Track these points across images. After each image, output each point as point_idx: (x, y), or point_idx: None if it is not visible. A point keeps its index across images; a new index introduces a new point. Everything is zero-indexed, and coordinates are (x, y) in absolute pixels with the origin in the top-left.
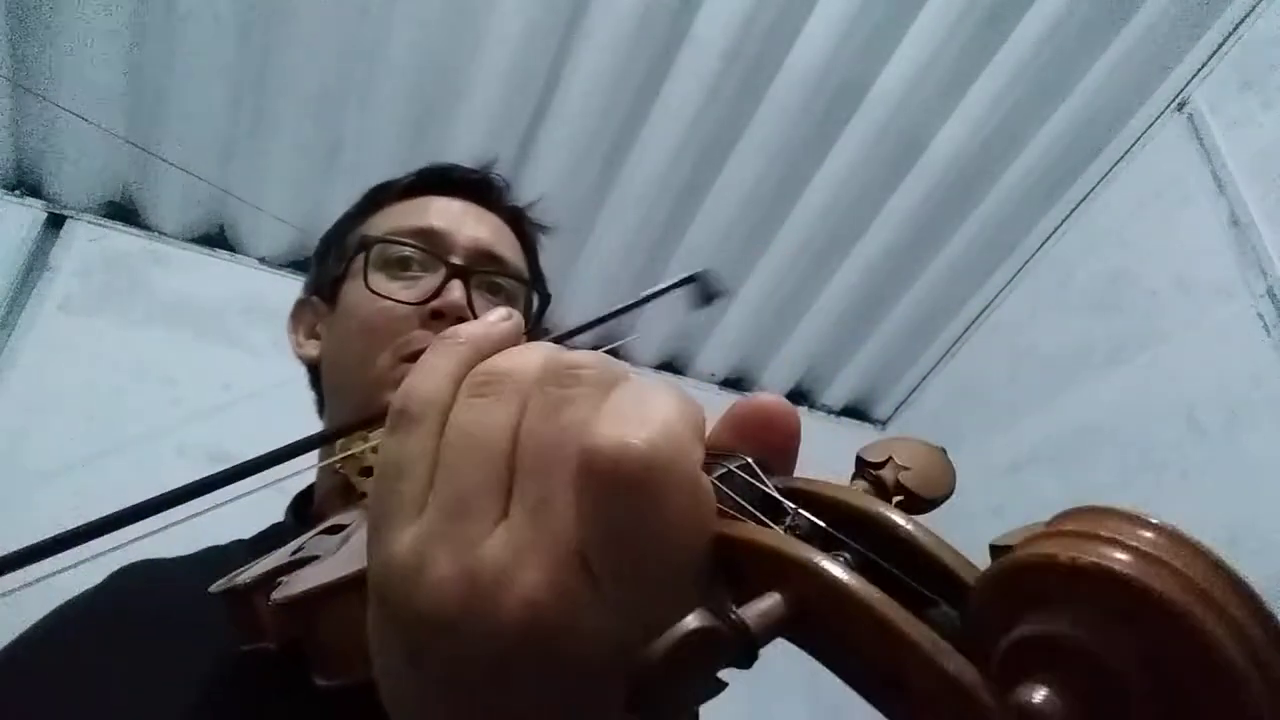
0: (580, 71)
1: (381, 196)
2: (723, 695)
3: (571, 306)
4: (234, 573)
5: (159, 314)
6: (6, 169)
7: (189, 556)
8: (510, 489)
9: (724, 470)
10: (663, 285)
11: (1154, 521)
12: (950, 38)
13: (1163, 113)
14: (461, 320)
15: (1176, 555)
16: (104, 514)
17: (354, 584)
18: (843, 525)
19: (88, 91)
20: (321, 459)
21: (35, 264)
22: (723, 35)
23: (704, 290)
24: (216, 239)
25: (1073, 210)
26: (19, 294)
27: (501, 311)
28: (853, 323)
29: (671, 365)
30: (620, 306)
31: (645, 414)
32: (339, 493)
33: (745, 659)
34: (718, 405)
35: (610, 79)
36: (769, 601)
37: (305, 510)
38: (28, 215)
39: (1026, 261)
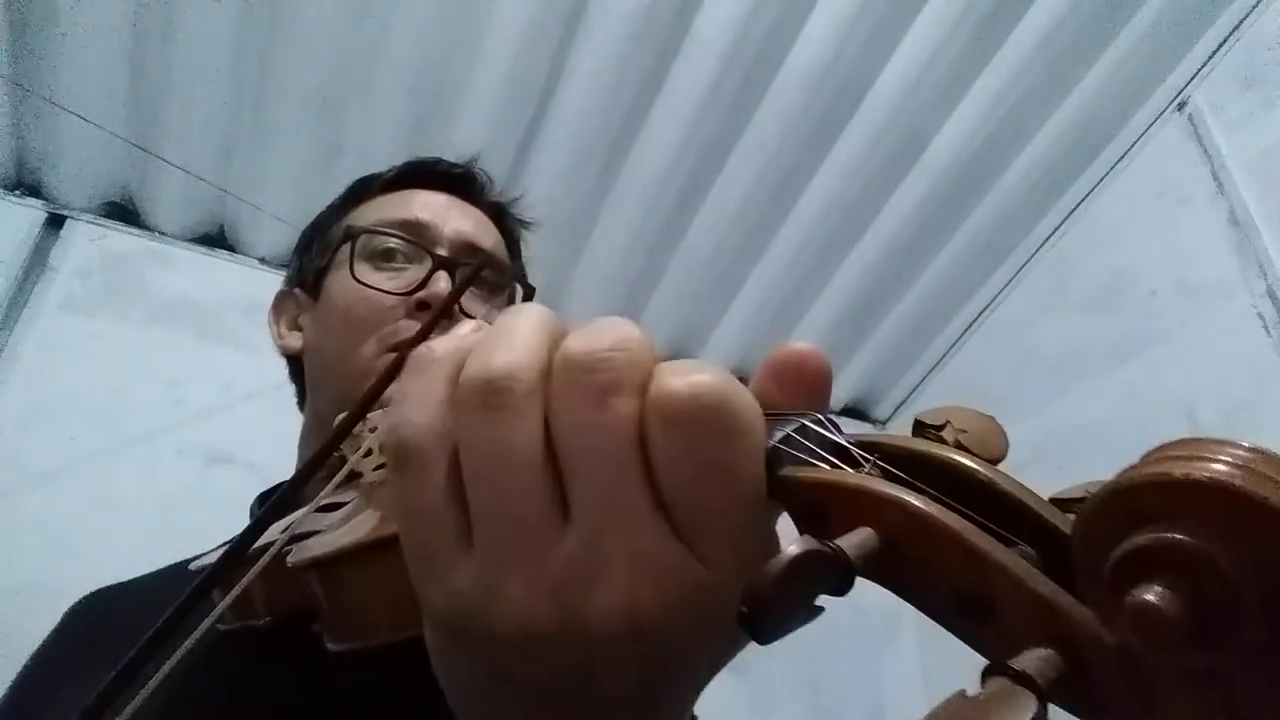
0: (580, 71)
1: (366, 189)
2: (723, 695)
3: (572, 306)
4: (208, 554)
5: (159, 314)
6: (6, 169)
7: (150, 574)
8: (559, 494)
9: (797, 424)
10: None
11: (1247, 444)
12: (950, 38)
13: (1163, 113)
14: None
15: (1275, 469)
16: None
17: (385, 545)
18: (915, 472)
19: (88, 91)
20: (313, 448)
21: (35, 264)
22: (722, 35)
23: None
24: (216, 239)
25: (1073, 210)
26: (19, 294)
27: (471, 324)
28: (853, 323)
29: None
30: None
31: (698, 365)
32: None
33: (843, 585)
34: None
35: (610, 79)
36: (861, 534)
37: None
38: (28, 215)
39: (1026, 261)
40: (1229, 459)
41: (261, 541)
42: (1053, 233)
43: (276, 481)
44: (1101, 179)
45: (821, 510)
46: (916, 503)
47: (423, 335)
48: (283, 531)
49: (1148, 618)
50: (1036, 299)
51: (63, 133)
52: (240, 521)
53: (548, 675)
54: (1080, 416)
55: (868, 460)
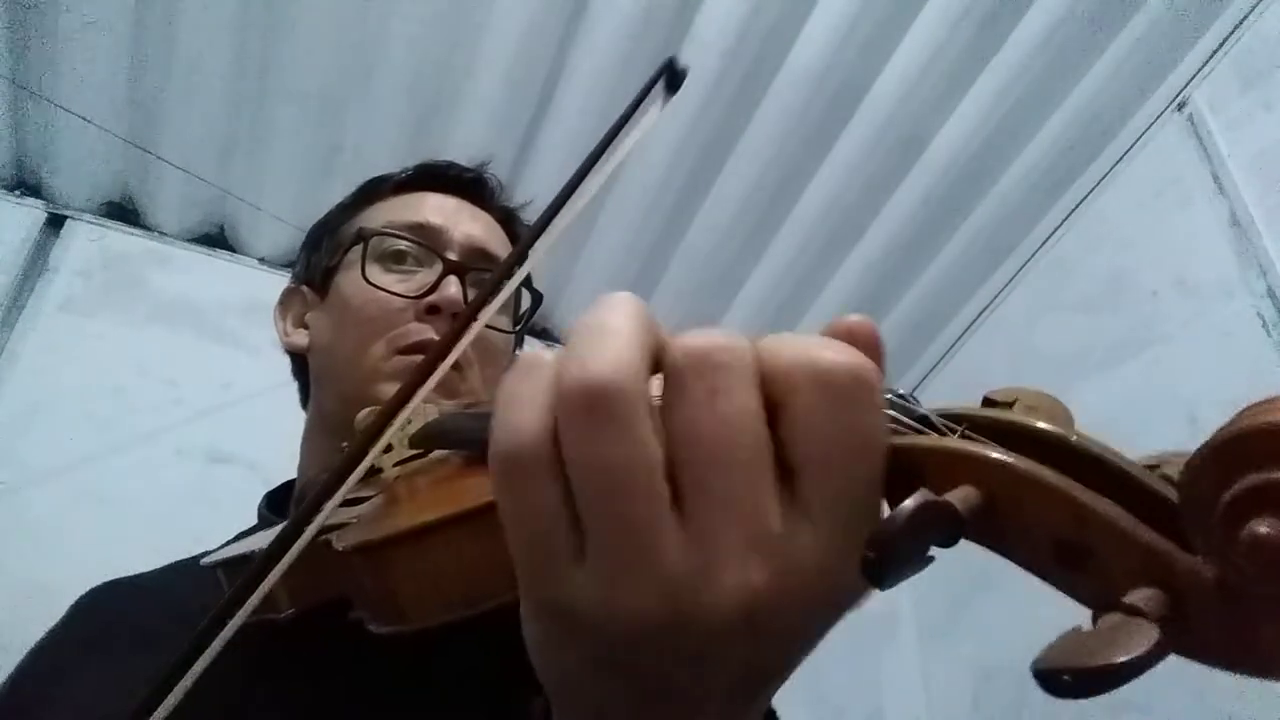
0: (580, 71)
1: (377, 190)
2: None
3: (572, 306)
4: (221, 549)
5: (159, 314)
6: (6, 169)
7: (156, 570)
8: (675, 495)
9: (885, 398)
10: (637, 96)
11: None
12: (950, 38)
13: (1163, 113)
14: (457, 316)
15: None
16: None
17: (431, 529)
18: (1006, 441)
19: (88, 91)
20: (317, 445)
21: (35, 264)
22: (722, 35)
23: (671, 74)
24: (216, 239)
25: (1073, 210)
26: (19, 294)
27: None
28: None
29: None
30: (600, 142)
31: (817, 340)
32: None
33: (953, 537)
34: None
35: (610, 79)
36: (964, 491)
37: (283, 505)
38: (28, 215)
39: (1026, 261)
40: None
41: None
42: (1053, 233)
43: (277, 481)
44: (1101, 179)
45: (920, 476)
46: (1017, 461)
47: (445, 346)
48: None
49: (1265, 547)
50: (1036, 299)
51: (63, 133)
52: (240, 521)
53: (659, 666)
54: (1080, 416)
55: (954, 430)
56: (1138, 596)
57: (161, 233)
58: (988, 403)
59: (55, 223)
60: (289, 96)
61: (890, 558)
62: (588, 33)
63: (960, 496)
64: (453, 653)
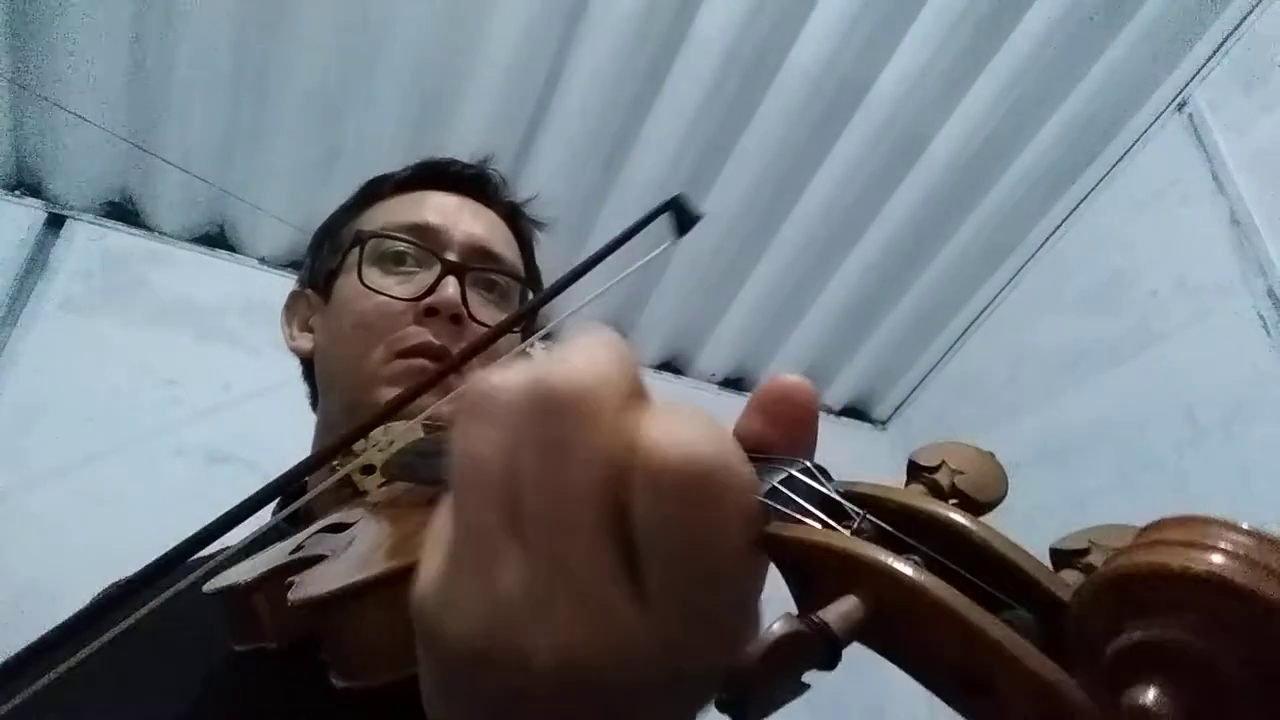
0: (581, 71)
1: (377, 190)
2: None
3: (568, 306)
4: (224, 572)
5: (159, 314)
6: (6, 169)
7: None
8: (521, 519)
9: (784, 475)
10: (639, 221)
11: (1246, 527)
12: (950, 38)
13: (1163, 113)
14: (456, 318)
15: (1274, 557)
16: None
17: (383, 583)
18: (908, 528)
19: (88, 91)
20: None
21: (35, 264)
22: (723, 34)
23: (681, 216)
24: (216, 239)
25: (1073, 210)
26: (19, 294)
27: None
28: (853, 323)
29: (672, 365)
30: (596, 254)
31: (689, 419)
32: (334, 491)
33: (829, 661)
34: (717, 405)
35: (610, 78)
36: (848, 604)
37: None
38: (28, 215)
39: (1026, 261)
40: (1227, 547)
41: (268, 564)
42: (1053, 233)
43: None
44: (1101, 179)
45: (808, 570)
46: (907, 571)
47: (439, 376)
48: (290, 554)
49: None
50: (1036, 299)
51: (63, 133)
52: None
53: (494, 695)
54: (1080, 416)
55: (858, 515)
56: None
57: (161, 233)
58: (913, 467)
59: (55, 223)
60: (289, 96)
61: (749, 700)
62: (588, 33)
63: (843, 611)
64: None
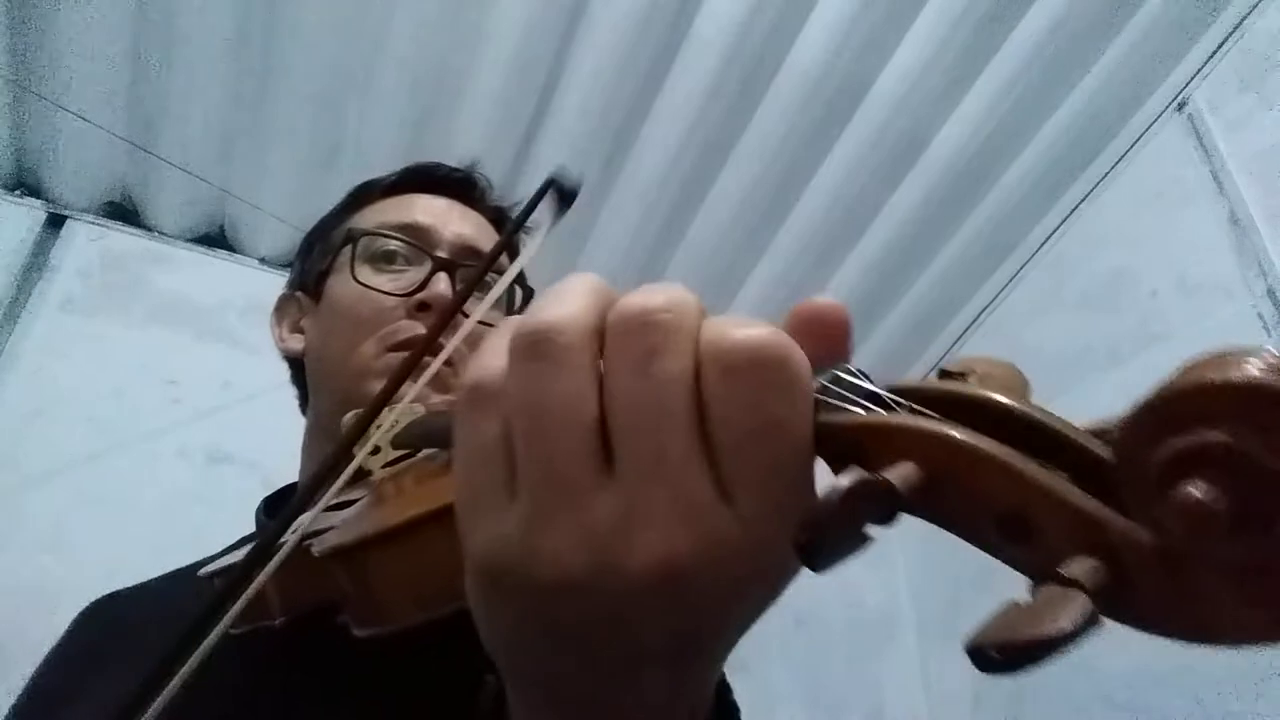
0: (581, 71)
1: (366, 193)
2: None
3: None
4: (218, 559)
5: (159, 314)
6: (6, 169)
7: (158, 579)
8: (602, 447)
9: (830, 374)
10: (523, 209)
11: (1274, 348)
12: (950, 38)
13: (1163, 113)
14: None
15: None
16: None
17: (405, 528)
18: (951, 412)
19: (88, 91)
20: (316, 450)
21: (35, 264)
22: (722, 35)
23: (560, 191)
24: (216, 239)
25: (1073, 210)
26: (19, 294)
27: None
28: (853, 322)
29: None
30: (495, 246)
31: (748, 321)
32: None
33: (890, 514)
34: None
35: (611, 79)
36: (904, 468)
37: (281, 509)
38: (28, 215)
39: (1026, 261)
40: (1259, 363)
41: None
42: (1053, 233)
43: (277, 481)
44: (1101, 179)
45: (860, 453)
46: (956, 433)
47: (430, 338)
48: (293, 532)
49: (1195, 511)
50: (1036, 299)
51: (63, 133)
52: (241, 521)
53: (582, 624)
54: (1080, 416)
55: (900, 405)
56: (1075, 566)
57: (161, 232)
58: (943, 374)
59: (55, 223)
60: (289, 96)
61: (823, 540)
62: (588, 32)
63: (899, 473)
64: (437, 649)
